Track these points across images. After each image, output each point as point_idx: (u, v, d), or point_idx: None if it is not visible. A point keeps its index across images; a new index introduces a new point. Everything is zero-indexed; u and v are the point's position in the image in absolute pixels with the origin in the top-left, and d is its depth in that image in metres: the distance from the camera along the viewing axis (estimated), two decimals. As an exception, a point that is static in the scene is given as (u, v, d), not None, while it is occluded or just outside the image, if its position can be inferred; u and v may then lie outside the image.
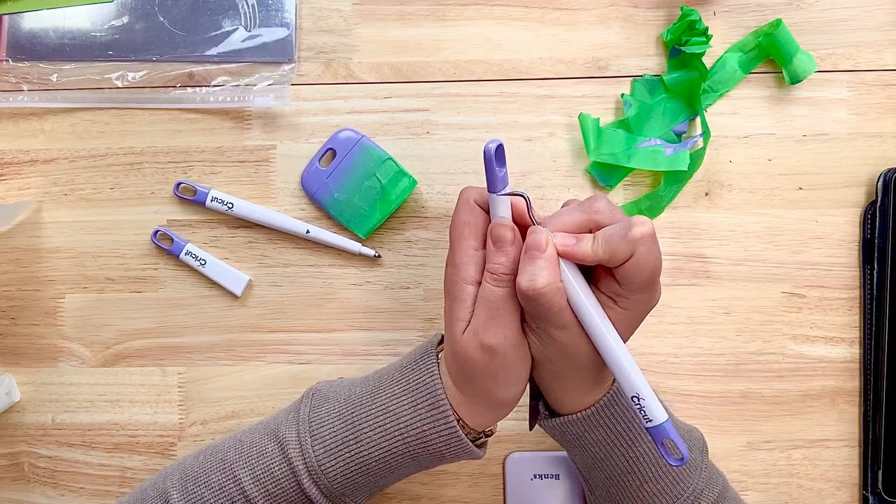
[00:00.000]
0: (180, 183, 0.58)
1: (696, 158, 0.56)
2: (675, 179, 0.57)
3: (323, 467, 0.44)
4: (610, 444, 0.46)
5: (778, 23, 0.56)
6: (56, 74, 0.58)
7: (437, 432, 0.43)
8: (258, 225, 0.58)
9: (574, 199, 0.45)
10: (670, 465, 0.44)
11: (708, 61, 0.57)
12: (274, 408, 0.58)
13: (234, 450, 0.46)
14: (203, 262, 0.57)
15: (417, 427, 0.43)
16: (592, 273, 0.42)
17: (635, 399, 0.40)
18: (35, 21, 0.58)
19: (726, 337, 0.58)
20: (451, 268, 0.43)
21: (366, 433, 0.44)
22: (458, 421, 0.44)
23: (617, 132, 0.57)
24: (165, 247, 0.58)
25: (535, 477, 0.57)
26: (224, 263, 0.57)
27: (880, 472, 0.55)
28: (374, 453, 0.44)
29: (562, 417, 0.46)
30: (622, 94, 0.58)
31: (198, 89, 0.58)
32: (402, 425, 0.44)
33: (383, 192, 0.56)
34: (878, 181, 0.56)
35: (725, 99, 0.58)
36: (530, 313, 0.41)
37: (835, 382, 0.57)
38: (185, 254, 0.57)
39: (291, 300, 0.58)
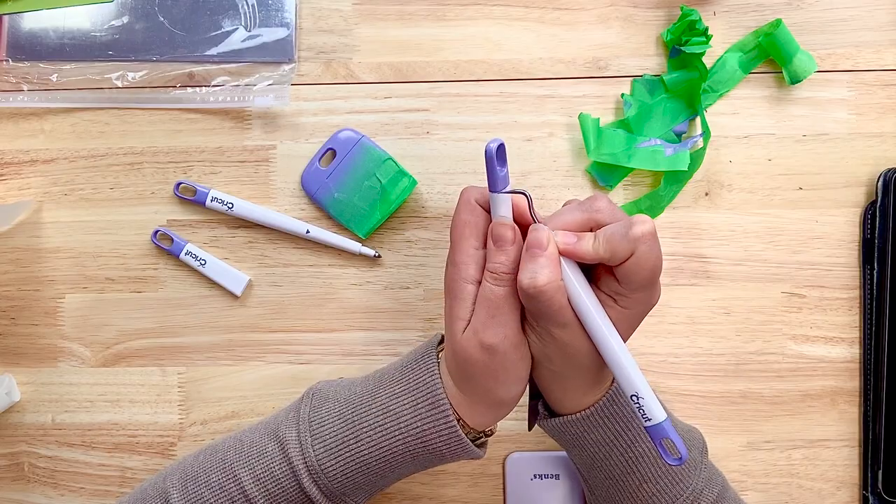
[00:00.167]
0: (180, 183, 0.58)
1: (696, 158, 0.56)
2: (675, 179, 0.57)
3: (323, 467, 0.44)
4: (609, 444, 0.46)
5: (778, 23, 0.56)
6: (56, 74, 0.58)
7: (437, 432, 0.43)
8: (258, 225, 0.58)
9: (574, 198, 0.45)
10: (669, 464, 0.44)
11: (708, 61, 0.57)
12: (274, 408, 0.58)
13: (235, 449, 0.46)
14: (203, 262, 0.57)
15: (417, 426, 0.43)
16: (593, 272, 0.42)
17: (634, 398, 0.40)
18: (35, 21, 0.58)
19: (726, 337, 0.58)
20: (451, 267, 0.44)
21: (366, 432, 0.44)
22: (458, 420, 0.44)
23: (617, 132, 0.57)
24: (165, 247, 0.58)
25: (535, 477, 0.57)
26: (224, 263, 0.57)
27: (880, 472, 0.55)
28: (374, 453, 0.44)
29: (561, 417, 0.46)
30: (622, 94, 0.58)
31: (198, 89, 0.58)
32: (402, 425, 0.44)
33: (383, 192, 0.56)
34: (878, 181, 0.56)
35: (725, 99, 0.58)
36: (531, 312, 0.41)
37: (835, 382, 0.57)
38: (185, 254, 0.57)
39: (291, 300, 0.58)
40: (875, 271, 0.56)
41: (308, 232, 0.57)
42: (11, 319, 0.58)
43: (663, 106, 0.58)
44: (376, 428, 0.44)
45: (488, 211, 0.43)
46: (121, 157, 0.59)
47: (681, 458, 0.40)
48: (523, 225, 0.42)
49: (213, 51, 0.58)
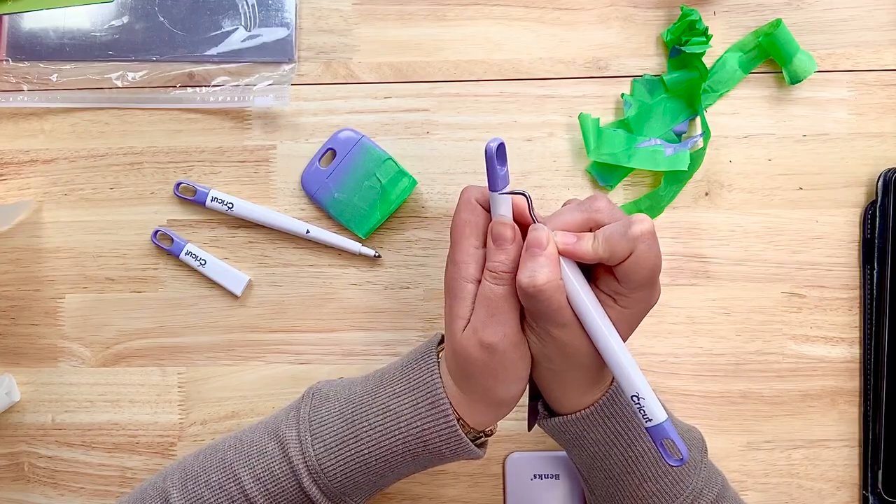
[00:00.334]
0: (180, 183, 0.58)
1: (696, 158, 0.56)
2: (675, 179, 0.57)
3: (323, 466, 0.44)
4: (609, 444, 0.46)
5: (778, 23, 0.56)
6: (56, 74, 0.58)
7: (437, 431, 0.43)
8: (258, 225, 0.58)
9: (574, 198, 0.45)
10: (669, 464, 0.44)
11: (708, 61, 0.57)
12: (274, 408, 0.58)
13: (235, 449, 0.46)
14: (203, 262, 0.57)
15: (417, 426, 0.43)
16: (592, 272, 0.42)
17: (635, 398, 0.40)
18: (35, 21, 0.58)
19: (726, 337, 0.58)
20: (451, 266, 0.44)
21: (366, 432, 0.44)
22: (458, 420, 0.44)
23: (617, 132, 0.57)
24: (165, 247, 0.58)
25: (535, 477, 0.57)
26: (224, 263, 0.57)
27: (880, 472, 0.55)
28: (374, 452, 0.44)
29: (561, 417, 0.46)
30: (622, 94, 0.58)
31: (198, 89, 0.58)
32: (402, 424, 0.44)
33: (383, 192, 0.56)
34: (878, 181, 0.56)
35: (725, 99, 0.58)
36: (530, 311, 0.41)
37: (835, 382, 0.57)
38: (185, 254, 0.57)
39: (291, 300, 0.58)
40: (875, 271, 0.56)
41: (308, 232, 0.57)
42: (11, 319, 0.59)
43: (663, 106, 0.58)
44: (376, 427, 0.44)
45: (488, 210, 0.43)
46: (121, 157, 0.59)
47: (682, 458, 0.40)
48: (523, 225, 0.42)
49: (213, 51, 0.58)
